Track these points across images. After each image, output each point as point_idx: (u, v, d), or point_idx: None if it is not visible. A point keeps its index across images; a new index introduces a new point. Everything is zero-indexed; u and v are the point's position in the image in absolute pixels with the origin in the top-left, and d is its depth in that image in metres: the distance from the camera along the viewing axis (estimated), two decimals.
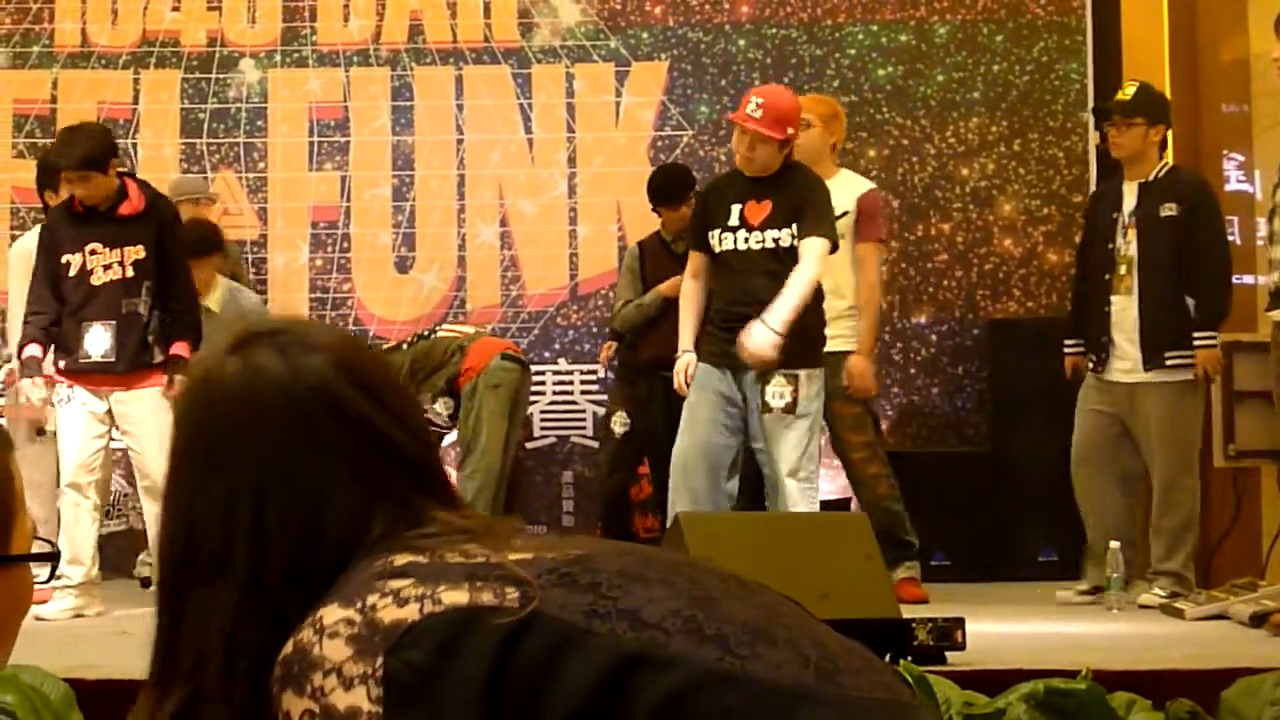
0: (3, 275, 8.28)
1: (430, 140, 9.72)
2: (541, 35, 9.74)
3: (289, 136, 9.72)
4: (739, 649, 1.61)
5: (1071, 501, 7.43)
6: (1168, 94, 9.08)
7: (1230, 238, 8.84)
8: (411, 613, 1.61)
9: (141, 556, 8.40)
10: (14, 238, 8.44)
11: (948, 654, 5.06)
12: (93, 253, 6.98)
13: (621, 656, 1.58)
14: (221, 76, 9.74)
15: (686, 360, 6.74)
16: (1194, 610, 6.60)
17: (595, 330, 9.53)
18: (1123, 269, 7.21)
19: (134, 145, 9.52)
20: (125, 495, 8.89)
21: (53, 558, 1.68)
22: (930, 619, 5.11)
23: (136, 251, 6.99)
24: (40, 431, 7.46)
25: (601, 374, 9.47)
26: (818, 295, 6.66)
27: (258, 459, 1.73)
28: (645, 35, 9.75)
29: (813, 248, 6.52)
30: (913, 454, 9.29)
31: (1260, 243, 7.93)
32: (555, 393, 9.54)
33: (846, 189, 7.39)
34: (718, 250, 6.68)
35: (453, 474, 8.05)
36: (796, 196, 6.61)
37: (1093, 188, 8.87)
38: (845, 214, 7.23)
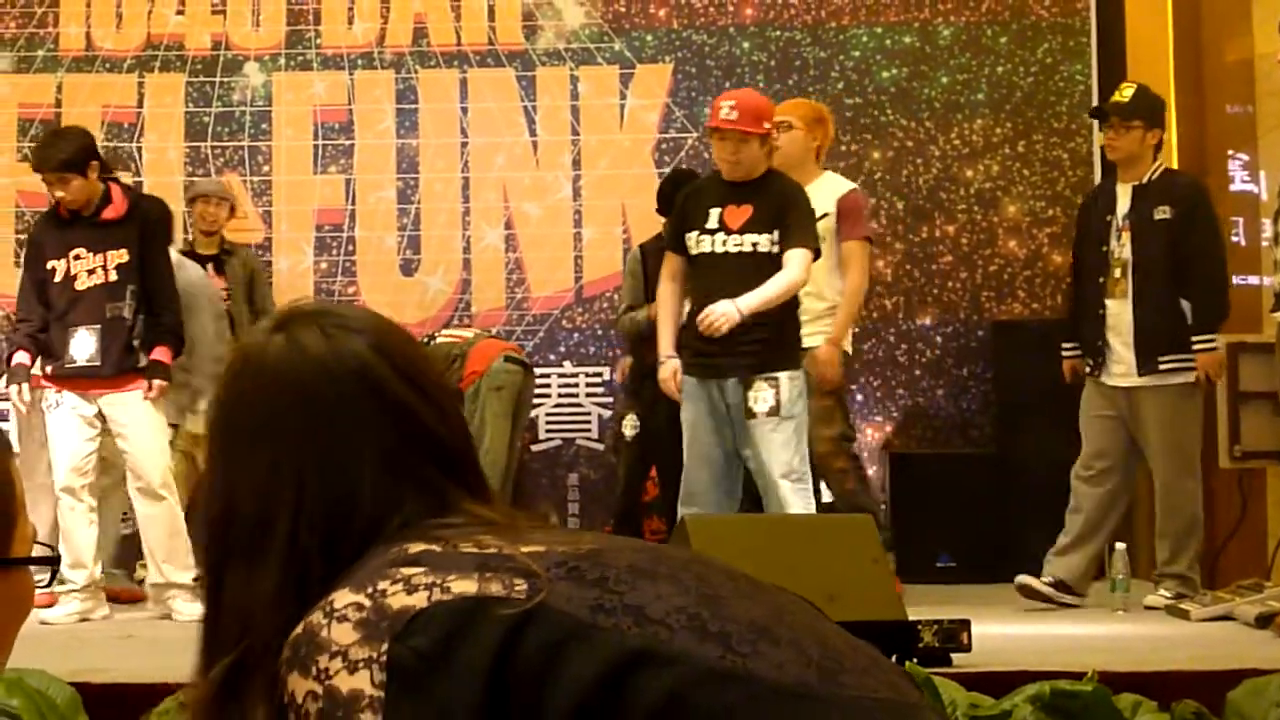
0: (4, 277, 8.29)
1: (435, 143, 9.72)
2: (546, 38, 9.74)
3: (293, 140, 9.73)
4: (741, 647, 1.62)
5: None
6: (1171, 95, 9.09)
7: (1235, 239, 8.86)
8: (420, 600, 1.62)
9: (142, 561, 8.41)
10: (19, 241, 8.45)
11: (953, 655, 5.05)
12: (76, 258, 6.98)
13: (624, 652, 1.59)
14: (226, 80, 9.74)
15: (673, 367, 6.71)
16: (1199, 611, 6.60)
17: (600, 333, 9.53)
18: (1117, 272, 7.19)
19: (139, 149, 9.53)
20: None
21: (53, 561, 1.69)
22: (936, 621, 5.11)
23: (120, 255, 6.98)
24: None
25: (607, 376, 9.47)
26: (794, 301, 6.66)
27: (298, 435, 1.76)
28: (649, 38, 9.75)
29: (798, 258, 6.53)
30: (918, 455, 9.31)
31: (1265, 243, 7.91)
32: (560, 395, 9.54)
33: (828, 191, 7.36)
34: (694, 252, 6.65)
35: None
36: (778, 203, 6.60)
37: None
38: (825, 215, 7.22)
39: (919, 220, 9.60)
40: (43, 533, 6.72)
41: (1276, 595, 6.47)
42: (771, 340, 6.51)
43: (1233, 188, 9.02)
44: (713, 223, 6.61)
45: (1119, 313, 7.18)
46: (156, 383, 6.98)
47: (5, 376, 7.22)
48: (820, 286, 7.21)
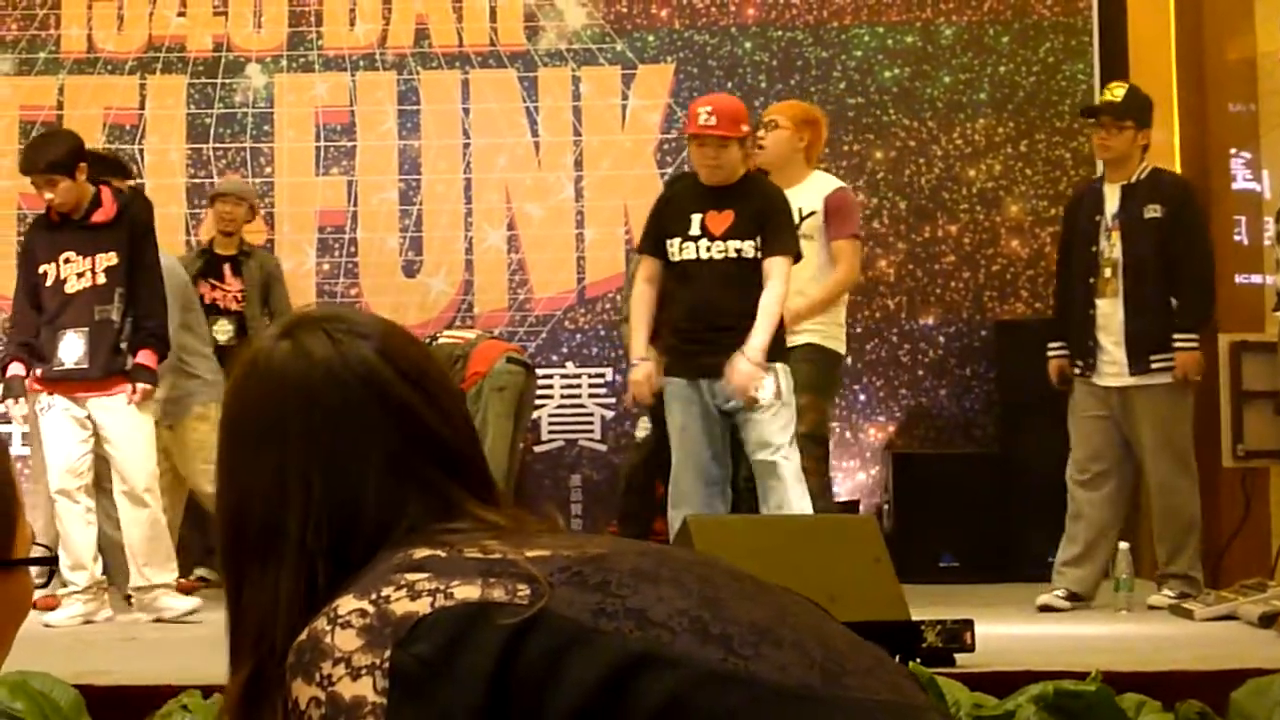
0: (6, 279, 8.30)
1: (437, 144, 9.72)
2: (547, 39, 9.74)
3: (295, 141, 9.73)
4: (743, 649, 1.61)
5: None
6: (1174, 94, 9.09)
7: (1238, 238, 8.85)
8: (423, 606, 1.62)
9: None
10: (20, 244, 8.45)
11: (956, 656, 5.06)
12: (66, 261, 6.98)
13: (625, 656, 1.59)
14: (227, 81, 9.75)
15: (646, 370, 6.71)
16: (1203, 611, 6.60)
17: (603, 334, 9.53)
18: (1107, 272, 7.19)
19: (140, 151, 9.53)
20: None
21: (51, 561, 1.70)
22: (939, 621, 5.11)
23: (109, 258, 6.98)
24: None
25: (609, 377, 9.47)
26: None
27: (303, 439, 1.77)
28: (651, 38, 9.75)
29: (779, 267, 6.54)
30: (920, 455, 9.31)
31: (1268, 242, 7.91)
32: (563, 396, 9.54)
33: (816, 190, 7.33)
34: (676, 259, 6.64)
35: None
36: (759, 208, 6.60)
37: None
38: (813, 214, 7.20)
39: (921, 220, 9.60)
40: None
41: None
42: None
43: (1235, 186, 9.01)
44: (695, 229, 6.60)
45: (1110, 312, 7.17)
46: (141, 387, 6.97)
47: (2, 387, 7.22)
48: (804, 285, 7.18)
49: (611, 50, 9.73)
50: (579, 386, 9.55)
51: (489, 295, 9.61)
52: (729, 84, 9.53)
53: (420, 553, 1.68)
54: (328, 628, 1.63)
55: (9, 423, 9.23)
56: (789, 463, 6.48)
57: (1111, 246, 7.18)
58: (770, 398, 6.47)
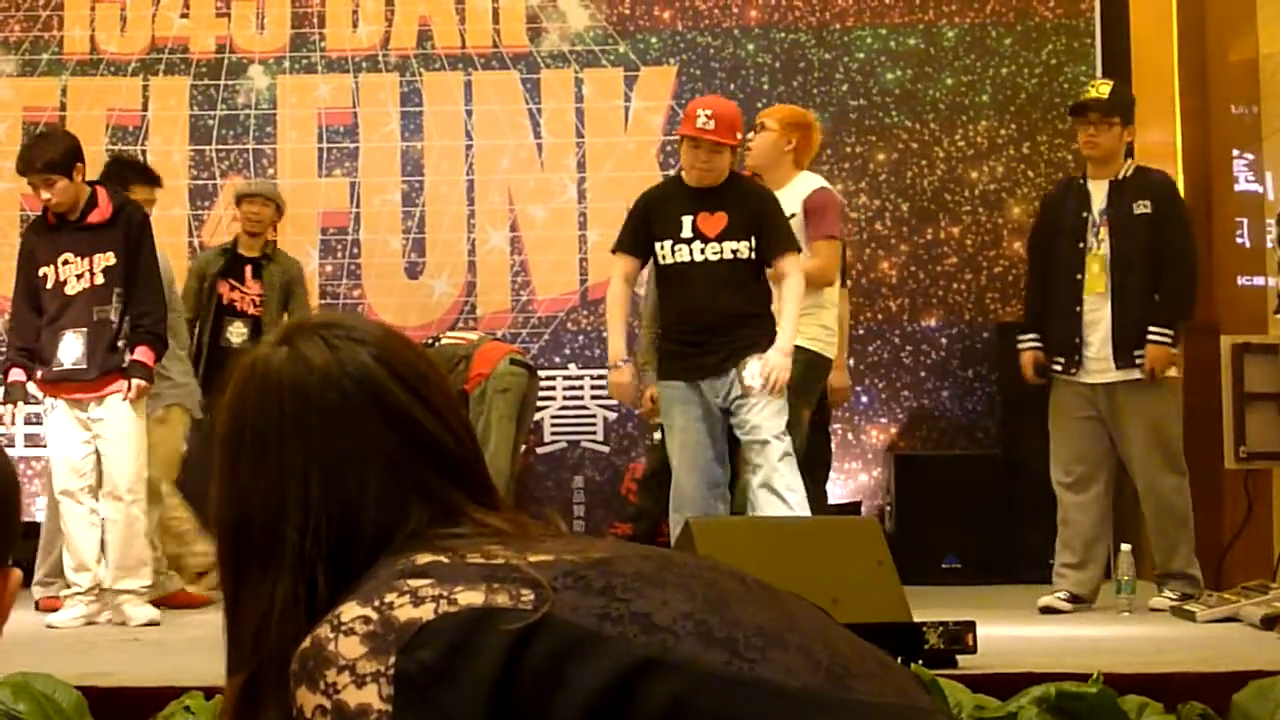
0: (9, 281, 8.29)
1: (439, 145, 9.73)
2: (550, 40, 9.75)
3: (298, 143, 9.74)
4: (748, 653, 1.61)
5: None
6: (1176, 96, 9.10)
7: (1240, 239, 8.85)
8: (426, 612, 1.62)
9: None
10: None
11: (959, 657, 5.05)
12: (65, 263, 6.97)
13: (630, 660, 1.59)
14: (230, 83, 9.75)
15: (628, 372, 6.70)
16: (1205, 613, 6.59)
17: (605, 335, 9.51)
18: (1095, 268, 7.18)
19: (143, 152, 9.53)
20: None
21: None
22: (941, 622, 5.11)
23: (107, 259, 6.98)
24: None
25: None
26: (769, 296, 6.65)
27: (302, 445, 1.77)
28: (654, 40, 9.76)
29: (791, 264, 6.59)
30: (923, 457, 9.31)
31: (1270, 244, 7.91)
32: (566, 398, 9.54)
33: (798, 192, 7.31)
34: (668, 261, 6.63)
35: None
36: (753, 210, 6.61)
37: None
38: (793, 216, 7.20)
39: (923, 222, 9.61)
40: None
41: None
42: (754, 333, 6.54)
43: (1237, 188, 9.01)
44: (687, 231, 6.60)
45: (1098, 308, 7.17)
46: (136, 383, 6.97)
47: (2, 392, 7.22)
48: None
49: (614, 52, 9.74)
50: (581, 388, 9.55)
51: (491, 297, 9.62)
52: (731, 86, 9.54)
53: (423, 558, 1.68)
54: (331, 635, 1.63)
55: (11, 424, 9.27)
56: (779, 443, 6.48)
57: (1100, 242, 7.18)
58: (759, 383, 6.46)
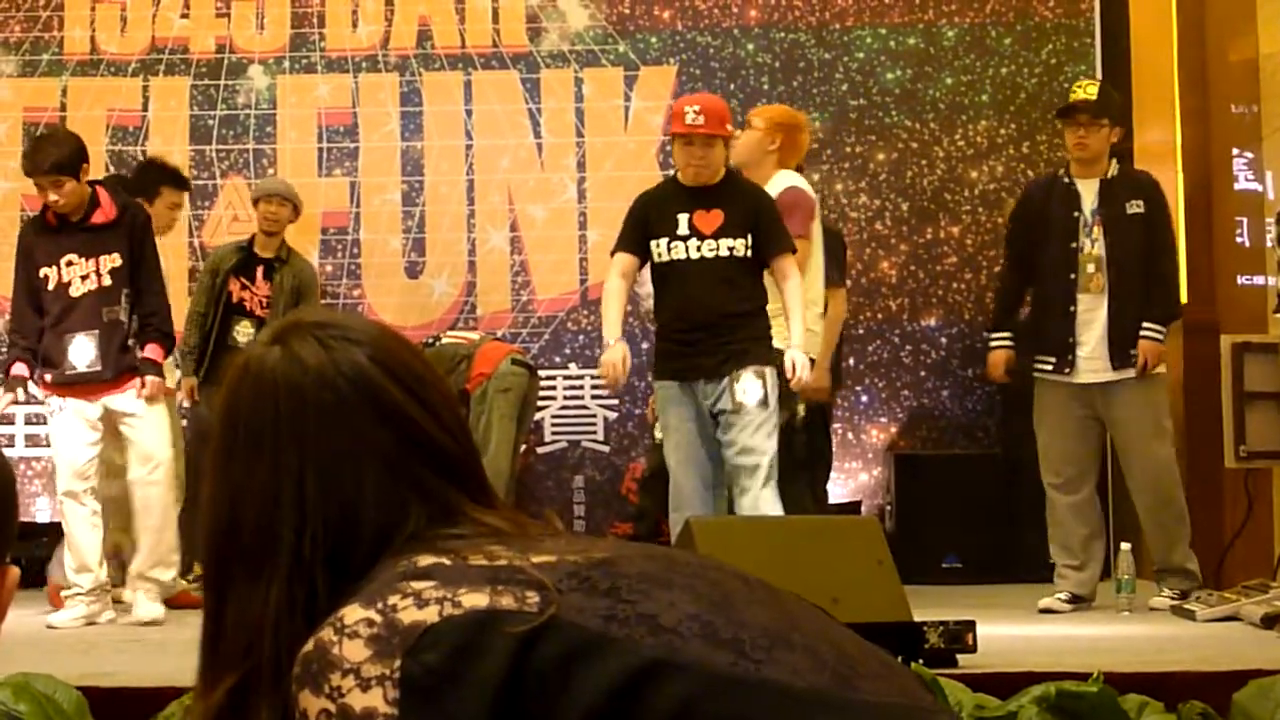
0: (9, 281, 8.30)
1: (439, 145, 9.73)
2: (550, 40, 9.75)
3: (298, 143, 9.74)
4: (755, 653, 1.61)
5: None
6: (1176, 95, 9.10)
7: (1239, 239, 8.85)
8: (431, 615, 1.61)
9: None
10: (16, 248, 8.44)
11: (959, 657, 5.05)
12: (69, 264, 6.97)
13: (637, 662, 1.58)
14: (230, 83, 9.76)
15: (621, 350, 6.62)
16: (1205, 612, 6.60)
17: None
18: (1090, 268, 7.18)
19: (143, 152, 9.53)
20: None
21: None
22: (941, 622, 5.11)
23: (113, 259, 6.98)
24: None
25: None
26: (765, 298, 6.65)
27: (298, 444, 1.75)
28: (654, 39, 9.76)
29: (789, 264, 6.59)
30: (923, 457, 9.31)
31: (1270, 243, 7.92)
32: (566, 398, 9.54)
33: (772, 190, 7.29)
34: (664, 259, 6.62)
35: None
36: (748, 207, 6.61)
37: None
38: None
39: (923, 222, 9.61)
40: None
41: None
42: (752, 338, 6.54)
43: (1237, 187, 9.01)
44: (683, 229, 6.59)
45: (1093, 308, 7.17)
46: (152, 380, 6.99)
47: (1, 384, 7.23)
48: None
49: (614, 51, 9.74)
50: (581, 388, 9.55)
51: (492, 296, 9.62)
52: (731, 85, 9.54)
53: (424, 560, 1.67)
54: (335, 638, 1.62)
55: (11, 424, 9.27)
56: (771, 469, 6.48)
57: (1094, 242, 7.18)
58: (756, 403, 6.46)
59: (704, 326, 6.52)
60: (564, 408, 9.54)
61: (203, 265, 8.89)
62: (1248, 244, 8.86)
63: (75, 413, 6.98)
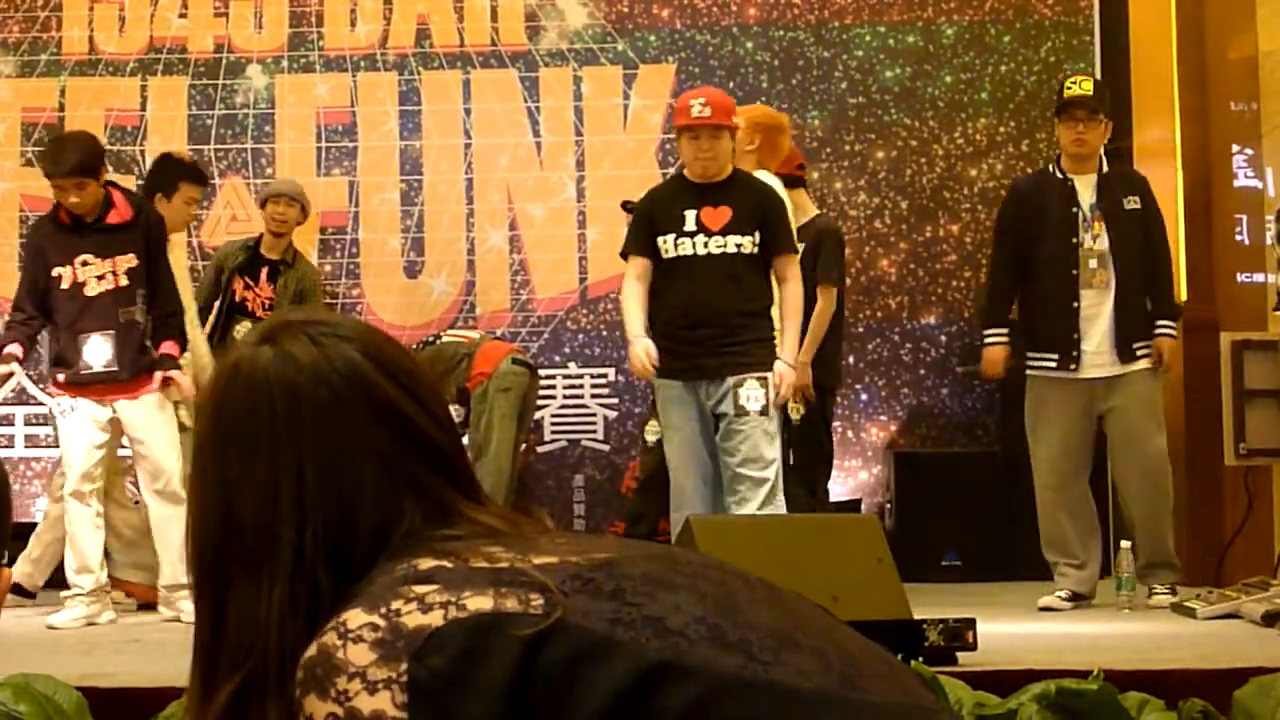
0: (9, 281, 8.30)
1: (438, 144, 9.73)
2: (549, 38, 9.75)
3: (296, 142, 9.73)
4: (762, 655, 1.61)
5: None
6: (1175, 93, 9.10)
7: (1239, 236, 8.85)
8: (435, 619, 1.60)
9: None
10: (24, 245, 8.45)
11: (959, 654, 5.05)
12: (84, 264, 6.96)
13: (644, 665, 1.58)
14: (229, 82, 9.75)
15: (644, 344, 6.60)
16: (1206, 609, 6.59)
17: (605, 334, 9.53)
18: (1092, 263, 7.17)
19: (141, 152, 9.53)
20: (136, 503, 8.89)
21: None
22: (942, 620, 5.10)
23: (129, 260, 6.98)
24: None
25: (612, 377, 9.48)
26: (769, 300, 6.64)
27: (296, 444, 1.73)
28: (653, 38, 9.75)
29: (792, 266, 6.59)
30: (923, 454, 9.31)
31: (1269, 240, 7.92)
32: (566, 397, 9.54)
33: None
34: (670, 255, 6.59)
35: None
36: (757, 203, 6.59)
37: None
38: None
39: (923, 220, 9.61)
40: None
41: None
42: (756, 340, 6.53)
43: (1237, 184, 9.01)
44: (690, 225, 6.57)
45: (1097, 303, 7.16)
46: (174, 374, 7.00)
47: None
48: None
49: (613, 50, 9.73)
50: (581, 387, 9.55)
51: (491, 296, 9.62)
52: (731, 84, 9.53)
53: (426, 563, 1.66)
54: (339, 642, 1.61)
55: (11, 424, 9.27)
56: (770, 477, 6.46)
57: (1095, 238, 7.18)
58: (759, 409, 6.46)
59: (708, 325, 6.49)
60: (564, 407, 9.54)
61: (204, 264, 8.89)
62: (1247, 241, 8.86)
63: (86, 414, 6.98)
